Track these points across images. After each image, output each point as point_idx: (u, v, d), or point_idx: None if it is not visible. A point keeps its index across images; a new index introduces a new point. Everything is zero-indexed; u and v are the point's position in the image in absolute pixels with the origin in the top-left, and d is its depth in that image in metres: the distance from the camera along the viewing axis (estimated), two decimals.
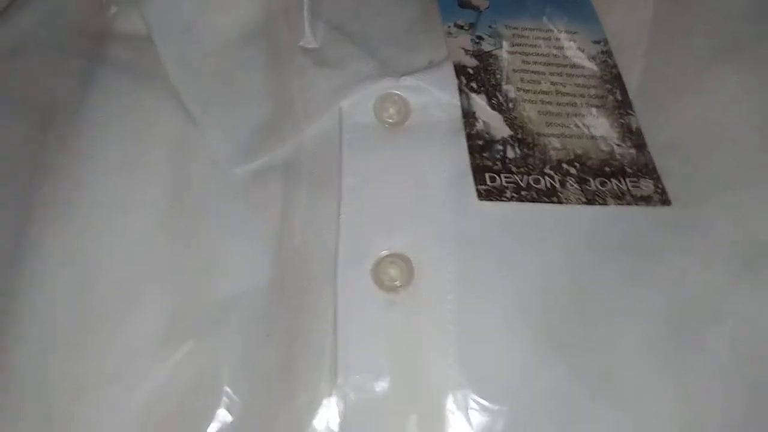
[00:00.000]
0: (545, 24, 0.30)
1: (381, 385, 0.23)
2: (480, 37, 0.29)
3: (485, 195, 0.25)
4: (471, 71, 0.28)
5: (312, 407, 0.23)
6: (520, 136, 0.27)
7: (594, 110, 0.28)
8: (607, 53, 0.30)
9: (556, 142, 0.27)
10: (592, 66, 0.29)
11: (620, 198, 0.26)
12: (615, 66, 0.29)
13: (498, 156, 0.26)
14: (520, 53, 0.29)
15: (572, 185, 0.26)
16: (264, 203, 0.27)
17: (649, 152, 0.27)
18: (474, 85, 0.28)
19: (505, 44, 0.29)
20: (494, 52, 0.29)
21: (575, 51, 0.30)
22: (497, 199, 0.25)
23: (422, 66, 0.29)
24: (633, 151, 0.27)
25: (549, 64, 0.29)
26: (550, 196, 0.26)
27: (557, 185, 0.26)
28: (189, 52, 0.29)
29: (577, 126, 0.28)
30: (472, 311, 0.24)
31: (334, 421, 0.23)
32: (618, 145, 0.27)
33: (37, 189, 0.26)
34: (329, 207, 0.26)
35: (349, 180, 0.26)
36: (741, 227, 0.26)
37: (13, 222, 0.26)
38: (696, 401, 0.24)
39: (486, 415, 0.23)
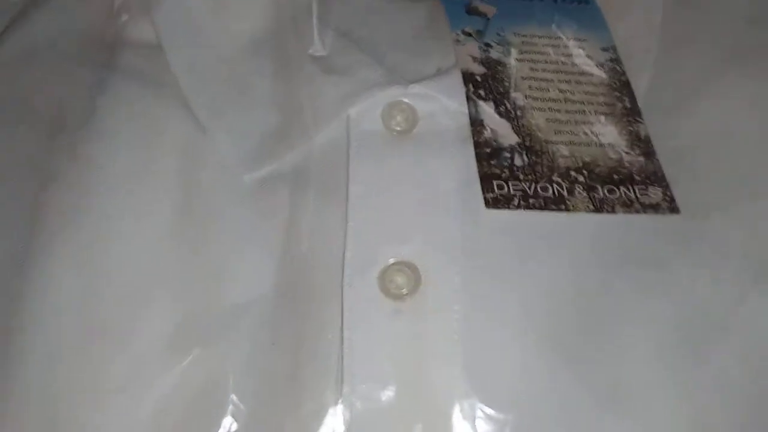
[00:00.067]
0: (554, 31, 0.30)
1: (387, 394, 0.23)
2: (488, 45, 0.29)
3: (493, 203, 0.25)
4: (479, 79, 0.28)
5: (318, 416, 0.23)
6: (528, 143, 0.27)
7: (602, 118, 0.28)
8: (616, 60, 0.29)
9: (564, 150, 0.27)
10: (600, 73, 0.29)
11: (628, 206, 0.26)
12: (624, 73, 0.29)
13: (506, 164, 0.26)
14: (528, 60, 0.29)
15: (580, 193, 0.26)
16: (272, 210, 0.27)
17: (657, 160, 0.27)
18: (482, 92, 0.28)
19: (513, 51, 0.29)
20: (502, 60, 0.29)
21: (584, 58, 0.30)
22: (505, 207, 0.25)
23: (430, 73, 0.29)
24: (641, 158, 0.27)
25: (557, 72, 0.29)
26: (557, 204, 0.26)
27: (565, 193, 0.26)
28: (199, 59, 0.29)
29: (585, 134, 0.27)
30: (479, 320, 0.24)
31: (340, 430, 0.23)
32: (626, 152, 0.27)
33: (46, 195, 0.27)
34: (337, 214, 0.26)
35: (357, 188, 0.26)
36: (751, 238, 0.26)
37: (22, 228, 0.26)
38: (703, 413, 0.23)
39: (492, 424, 0.23)
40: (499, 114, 0.27)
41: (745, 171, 0.27)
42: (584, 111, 0.28)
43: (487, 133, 0.27)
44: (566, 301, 0.25)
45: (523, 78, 0.29)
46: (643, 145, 0.27)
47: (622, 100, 0.28)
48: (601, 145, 0.27)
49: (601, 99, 0.28)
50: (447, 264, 0.25)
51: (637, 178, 0.26)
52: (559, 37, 0.30)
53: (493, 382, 0.24)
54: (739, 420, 0.24)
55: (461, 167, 0.26)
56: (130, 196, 0.27)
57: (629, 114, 0.28)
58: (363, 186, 0.26)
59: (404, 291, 0.24)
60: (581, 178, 0.26)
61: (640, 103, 0.28)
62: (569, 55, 0.30)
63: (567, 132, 0.27)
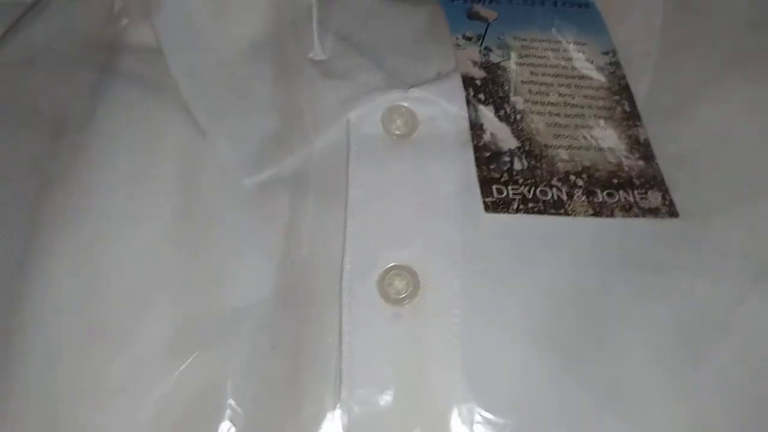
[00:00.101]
0: (554, 35, 0.30)
1: (385, 399, 0.23)
2: (488, 49, 0.29)
3: (492, 207, 0.25)
4: (479, 83, 0.28)
5: (317, 420, 0.23)
6: (527, 147, 0.27)
7: (602, 122, 0.28)
8: (616, 64, 0.29)
9: (563, 154, 0.27)
10: (600, 77, 0.29)
11: (628, 210, 0.26)
12: (623, 77, 0.29)
13: (505, 168, 0.26)
14: (528, 65, 0.29)
15: (579, 197, 0.26)
16: (272, 214, 0.27)
17: (657, 164, 0.27)
18: (482, 96, 0.28)
19: (513, 56, 0.29)
20: (502, 64, 0.29)
21: (584, 62, 0.30)
22: (504, 212, 0.25)
23: (430, 77, 0.29)
24: (641, 162, 0.27)
25: (557, 76, 0.29)
26: (557, 208, 0.26)
27: (564, 197, 0.26)
28: (199, 63, 0.29)
29: (585, 138, 0.28)
30: (478, 324, 0.24)
31: None
32: (626, 156, 0.27)
33: (46, 198, 0.27)
34: (336, 218, 0.26)
35: (356, 192, 0.26)
36: (750, 241, 0.26)
37: (22, 230, 0.26)
38: (703, 414, 0.24)
39: (491, 428, 0.23)
40: (499, 118, 0.27)
41: (745, 173, 0.27)
42: (584, 115, 0.28)
43: (487, 137, 0.27)
44: (566, 304, 0.25)
45: (523, 82, 0.29)
46: (642, 149, 0.27)
47: (622, 104, 0.28)
48: (601, 149, 0.27)
49: (601, 103, 0.28)
50: (447, 268, 0.25)
51: (637, 182, 0.27)
52: (559, 41, 0.30)
53: (492, 385, 0.24)
54: (738, 421, 0.24)
55: (461, 171, 0.27)
56: (130, 199, 0.27)
57: (629, 118, 0.28)
58: (363, 190, 0.26)
59: (403, 296, 0.25)
60: (581, 183, 0.26)
61: (640, 107, 0.28)
62: (569, 59, 0.30)
63: (566, 136, 0.27)
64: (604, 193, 0.26)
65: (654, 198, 0.26)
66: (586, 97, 0.29)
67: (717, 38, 0.30)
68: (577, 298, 0.25)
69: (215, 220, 0.26)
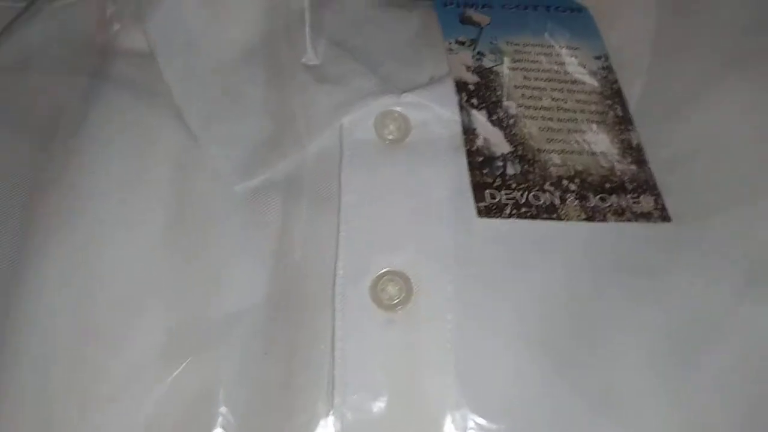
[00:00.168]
0: (547, 40, 0.30)
1: (378, 405, 0.23)
2: (481, 54, 0.29)
3: (485, 212, 0.25)
4: (472, 87, 0.28)
5: (310, 426, 0.23)
6: (520, 152, 0.27)
7: (594, 126, 0.28)
8: (608, 69, 0.30)
9: (556, 159, 0.27)
10: (593, 82, 0.29)
11: (620, 215, 0.26)
12: (616, 81, 0.29)
13: (498, 172, 0.26)
14: (521, 69, 0.29)
15: (572, 202, 0.26)
16: (265, 219, 0.27)
17: (649, 168, 0.27)
18: (475, 101, 0.28)
19: (506, 60, 0.29)
20: (495, 69, 0.29)
21: (576, 67, 0.30)
22: (497, 216, 0.25)
23: (423, 82, 0.29)
24: (633, 167, 0.27)
25: (550, 80, 0.29)
26: (550, 212, 0.26)
27: (557, 202, 0.26)
28: (191, 69, 0.29)
29: (577, 142, 0.28)
30: (471, 329, 0.24)
31: None
32: (618, 161, 0.27)
33: (39, 202, 0.27)
34: (329, 224, 0.26)
35: (349, 197, 0.26)
36: (743, 244, 0.26)
37: (15, 235, 0.26)
38: (696, 419, 0.24)
39: None
40: (492, 123, 0.28)
41: (740, 175, 0.27)
42: (576, 119, 0.28)
43: (480, 142, 0.27)
44: (559, 309, 0.25)
45: (516, 86, 0.29)
46: (634, 153, 0.27)
47: (614, 108, 0.29)
48: (593, 153, 0.27)
49: (594, 107, 0.28)
50: (440, 273, 0.25)
51: (629, 186, 0.27)
52: (552, 46, 0.30)
53: (485, 391, 0.24)
54: (732, 424, 0.24)
55: (454, 176, 0.27)
56: (123, 204, 0.27)
57: (621, 122, 0.28)
58: (355, 195, 0.26)
59: (396, 301, 0.25)
60: (573, 187, 0.26)
61: (632, 112, 0.28)
62: (562, 64, 0.30)
63: (559, 140, 0.28)
64: (597, 197, 0.26)
65: (646, 202, 0.26)
66: (578, 101, 0.29)
67: (710, 42, 0.30)
68: (570, 303, 0.25)
69: (208, 225, 0.26)
